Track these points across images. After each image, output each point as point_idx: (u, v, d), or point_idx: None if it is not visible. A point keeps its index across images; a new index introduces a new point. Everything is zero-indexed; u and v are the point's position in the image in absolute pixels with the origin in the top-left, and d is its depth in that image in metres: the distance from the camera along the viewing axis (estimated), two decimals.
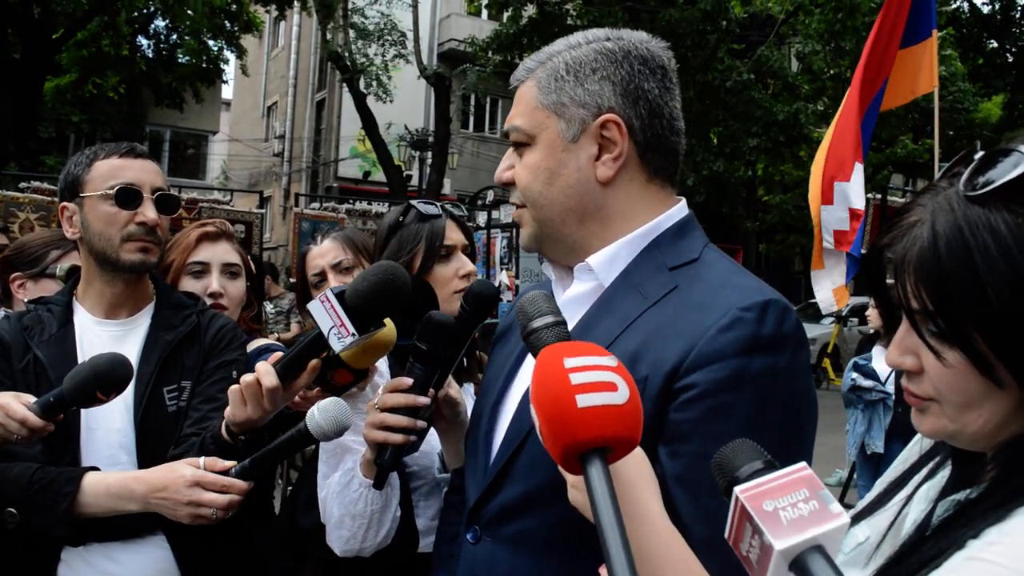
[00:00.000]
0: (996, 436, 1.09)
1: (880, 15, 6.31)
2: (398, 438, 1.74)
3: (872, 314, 8.43)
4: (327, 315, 1.70)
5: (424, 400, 1.76)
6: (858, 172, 6.20)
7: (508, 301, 10.18)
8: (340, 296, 1.70)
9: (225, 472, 1.92)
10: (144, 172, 2.23)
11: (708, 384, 1.28)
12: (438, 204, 2.36)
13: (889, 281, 1.13)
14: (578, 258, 1.53)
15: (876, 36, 6.22)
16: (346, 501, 1.93)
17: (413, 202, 2.36)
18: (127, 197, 2.18)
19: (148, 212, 2.20)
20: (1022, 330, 1.00)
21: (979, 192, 1.04)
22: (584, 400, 1.01)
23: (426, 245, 2.26)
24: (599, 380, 1.03)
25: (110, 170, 2.20)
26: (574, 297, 1.54)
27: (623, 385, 1.04)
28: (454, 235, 2.31)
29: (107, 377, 1.91)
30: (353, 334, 1.68)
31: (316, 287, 2.93)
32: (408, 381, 1.77)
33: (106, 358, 1.92)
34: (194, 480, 1.90)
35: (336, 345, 1.71)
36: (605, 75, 1.48)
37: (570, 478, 1.24)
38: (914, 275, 1.07)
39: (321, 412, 1.74)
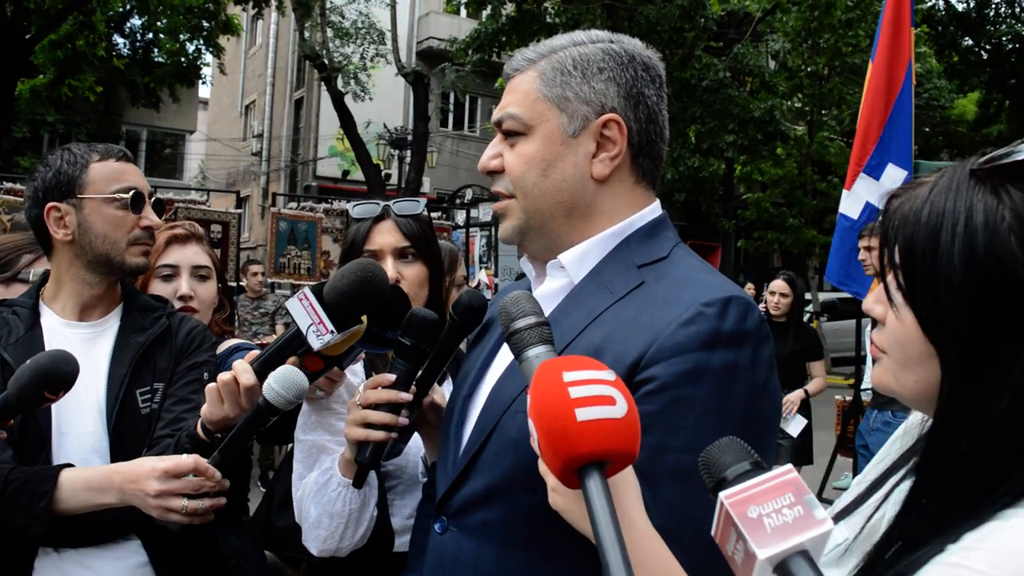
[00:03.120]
0: (932, 406, 1.10)
1: (886, 13, 5.99)
2: (379, 435, 1.72)
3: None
4: (305, 313, 1.72)
5: (406, 396, 1.75)
6: (862, 182, 5.87)
7: (488, 299, 10.13)
8: (318, 294, 1.71)
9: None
10: (141, 177, 2.27)
11: (668, 377, 1.30)
12: (382, 203, 2.26)
13: None
14: (556, 253, 1.55)
15: (888, 22, 5.93)
16: (324, 500, 1.91)
17: (350, 205, 2.30)
18: (137, 201, 2.20)
19: (152, 216, 2.24)
20: (958, 307, 1.02)
21: (981, 167, 1.06)
22: (583, 414, 1.01)
23: (346, 250, 2.20)
24: (598, 394, 1.03)
25: (112, 173, 2.21)
26: (546, 293, 1.57)
27: (621, 399, 1.04)
28: (381, 239, 2.19)
29: (51, 375, 1.84)
30: (332, 331, 1.70)
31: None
32: (390, 377, 1.76)
33: (48, 355, 1.87)
34: (163, 472, 1.86)
35: (315, 343, 1.71)
36: (611, 76, 1.52)
37: (551, 481, 1.23)
38: (896, 228, 1.10)
39: (277, 381, 1.72)
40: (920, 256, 1.06)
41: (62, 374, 1.87)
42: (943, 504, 1.06)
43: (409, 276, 2.18)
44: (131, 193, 2.18)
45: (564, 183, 1.51)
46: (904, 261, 1.08)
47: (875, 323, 1.21)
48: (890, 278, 1.11)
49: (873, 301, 1.18)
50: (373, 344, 1.89)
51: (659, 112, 1.56)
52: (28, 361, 1.87)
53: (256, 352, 1.87)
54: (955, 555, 0.98)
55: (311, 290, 1.72)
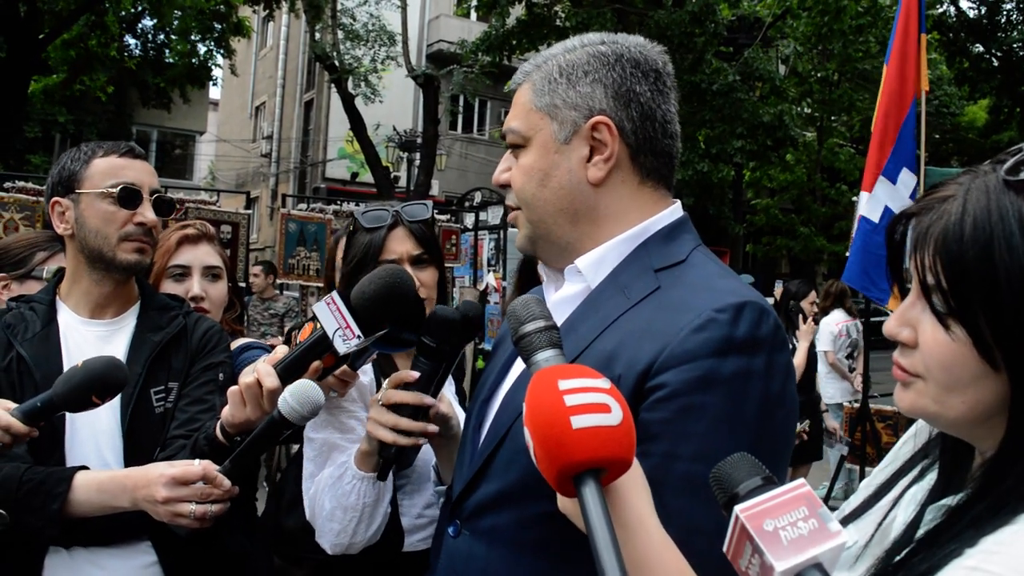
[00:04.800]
0: (976, 427, 1.09)
1: (900, 18, 6.01)
2: (407, 441, 1.76)
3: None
4: (333, 317, 1.74)
5: (430, 400, 1.78)
6: (881, 186, 5.81)
7: (495, 303, 10.15)
8: (346, 299, 1.73)
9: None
10: (143, 173, 2.25)
11: (678, 384, 1.28)
12: (391, 208, 2.26)
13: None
14: (570, 259, 1.53)
15: (901, 36, 5.96)
16: (338, 494, 1.92)
17: (358, 212, 2.30)
18: (129, 197, 2.19)
19: (148, 213, 2.21)
20: None
21: (1018, 178, 1.04)
22: (579, 421, 1.01)
23: (360, 259, 2.19)
24: (593, 402, 1.03)
25: (110, 168, 2.20)
26: (563, 298, 1.55)
27: (616, 406, 1.04)
28: (398, 247, 2.21)
29: (103, 380, 1.87)
30: (359, 336, 1.72)
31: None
32: (413, 374, 1.77)
33: (102, 361, 1.90)
34: (171, 479, 1.86)
35: (341, 347, 1.73)
36: (597, 78, 1.50)
37: None
38: (934, 248, 1.07)
39: (293, 395, 1.72)
40: (973, 273, 1.03)
41: (115, 380, 1.90)
42: (964, 508, 1.06)
43: (426, 281, 2.21)
44: (119, 188, 2.17)
45: (562, 190, 1.50)
46: (951, 280, 1.05)
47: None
48: (936, 299, 1.08)
49: (897, 325, 1.15)
50: (388, 344, 1.90)
51: (656, 107, 1.52)
52: (79, 364, 1.89)
53: (277, 354, 1.87)
54: (974, 558, 0.98)
55: (339, 295, 1.73)
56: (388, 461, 1.82)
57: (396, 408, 1.78)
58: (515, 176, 1.56)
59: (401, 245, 2.21)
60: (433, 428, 1.79)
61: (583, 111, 1.49)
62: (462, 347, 1.86)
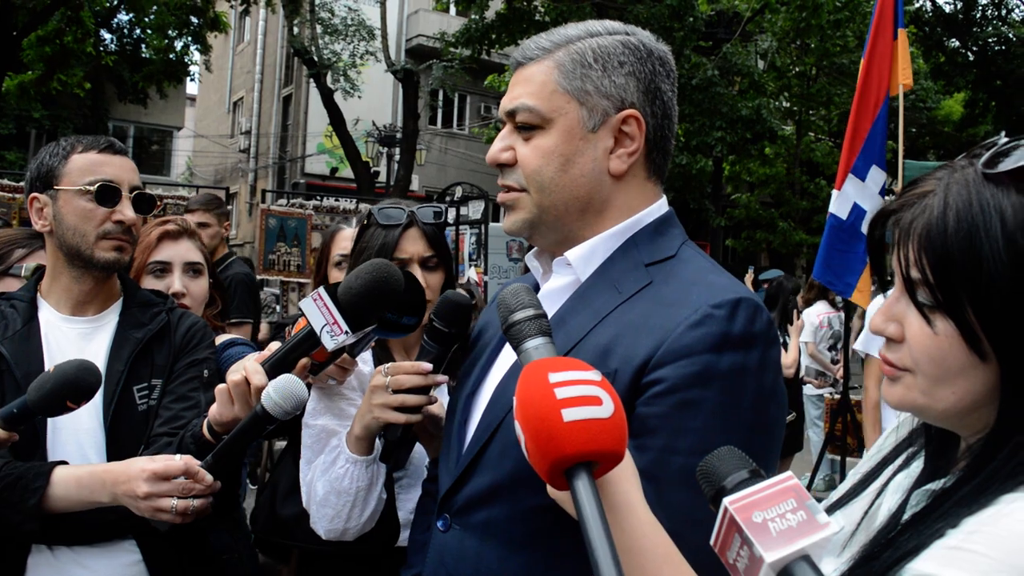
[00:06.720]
0: (965, 417, 1.11)
1: (875, 15, 6.14)
2: (416, 417, 1.78)
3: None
4: (320, 313, 1.72)
5: (443, 378, 1.78)
6: (850, 183, 5.92)
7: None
8: (333, 294, 1.71)
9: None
10: (123, 170, 2.21)
11: (676, 379, 1.29)
12: (407, 208, 2.27)
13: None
14: (567, 248, 1.53)
15: (875, 34, 6.07)
16: (331, 478, 1.93)
17: (375, 208, 2.30)
18: (107, 194, 2.15)
19: (126, 211, 2.18)
20: (1012, 309, 1.02)
21: (996, 171, 1.06)
22: (570, 414, 1.01)
23: (373, 256, 2.18)
24: (584, 394, 1.03)
25: (89, 165, 2.17)
26: (552, 291, 1.55)
27: (607, 399, 1.04)
28: (411, 247, 2.22)
29: (75, 385, 1.85)
30: (346, 332, 1.70)
31: (339, 267, 2.94)
32: (425, 366, 1.77)
33: (73, 365, 1.87)
34: (152, 474, 1.84)
35: (329, 343, 1.72)
36: (631, 70, 1.49)
37: None
38: (918, 243, 1.08)
39: (276, 390, 1.71)
40: (959, 265, 1.04)
41: (86, 384, 1.88)
42: (950, 491, 1.08)
43: (433, 284, 2.22)
44: (97, 185, 2.14)
45: (582, 178, 1.48)
46: (937, 274, 1.06)
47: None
48: (922, 293, 1.09)
49: (884, 320, 1.16)
50: (387, 330, 1.89)
51: (673, 107, 1.54)
52: (52, 369, 1.87)
53: (268, 351, 1.86)
54: (955, 538, 1.00)
55: (325, 290, 1.72)
56: (392, 443, 1.82)
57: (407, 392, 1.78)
58: (529, 157, 1.50)
59: (413, 246, 2.23)
60: (435, 398, 1.80)
61: (615, 101, 1.47)
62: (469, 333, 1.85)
